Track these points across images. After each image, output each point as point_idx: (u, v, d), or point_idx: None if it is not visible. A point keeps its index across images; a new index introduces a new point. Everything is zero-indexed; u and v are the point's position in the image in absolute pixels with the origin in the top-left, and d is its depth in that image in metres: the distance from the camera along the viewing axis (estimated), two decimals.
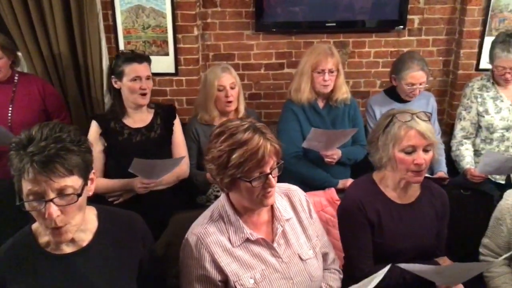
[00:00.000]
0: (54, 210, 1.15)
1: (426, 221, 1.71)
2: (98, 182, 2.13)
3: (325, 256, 1.62)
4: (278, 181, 2.67)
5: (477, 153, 2.72)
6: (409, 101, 2.70)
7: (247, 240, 1.43)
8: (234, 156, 1.32)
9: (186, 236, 1.46)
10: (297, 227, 1.54)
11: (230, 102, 2.46)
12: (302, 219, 1.56)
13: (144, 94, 2.32)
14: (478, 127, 2.72)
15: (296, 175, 2.52)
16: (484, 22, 3.05)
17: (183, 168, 2.42)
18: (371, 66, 3.31)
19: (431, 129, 1.59)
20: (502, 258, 1.55)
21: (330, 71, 2.45)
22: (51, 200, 1.15)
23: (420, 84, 2.60)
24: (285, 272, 1.45)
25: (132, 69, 2.29)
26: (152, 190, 2.25)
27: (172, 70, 3.11)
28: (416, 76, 2.58)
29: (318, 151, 2.42)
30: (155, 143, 2.37)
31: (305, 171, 2.49)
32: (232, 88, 2.46)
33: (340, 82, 2.52)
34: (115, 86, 2.35)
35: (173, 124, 2.45)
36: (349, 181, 2.46)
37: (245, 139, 1.33)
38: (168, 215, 2.06)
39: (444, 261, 1.72)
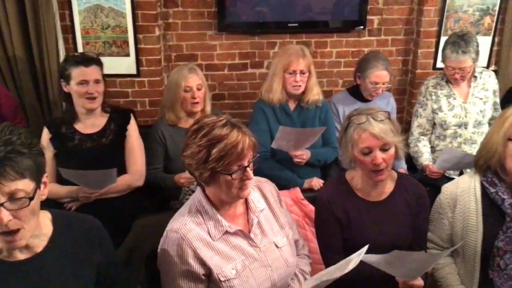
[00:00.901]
0: (5, 214, 1.11)
1: (399, 218, 1.74)
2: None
3: (296, 242, 1.68)
4: None
5: (432, 149, 2.81)
6: (371, 100, 2.76)
7: (226, 232, 1.47)
8: (214, 150, 1.36)
9: (165, 234, 1.47)
10: (270, 217, 1.60)
11: (196, 103, 2.44)
12: (274, 209, 1.62)
13: (92, 98, 2.26)
14: (433, 124, 2.80)
15: (262, 174, 2.53)
16: (440, 23, 3.15)
17: (134, 176, 2.36)
18: (334, 66, 3.36)
19: (385, 129, 1.61)
20: (450, 250, 1.60)
21: (302, 72, 2.46)
22: (2, 205, 1.11)
23: (384, 83, 2.67)
24: (264, 260, 1.51)
25: (78, 73, 2.23)
26: (110, 196, 2.20)
27: (134, 71, 3.05)
28: (380, 75, 2.64)
29: (287, 151, 2.44)
30: (106, 149, 2.30)
31: (270, 171, 2.50)
32: (198, 89, 2.43)
33: (312, 83, 2.54)
34: (65, 89, 2.29)
35: (127, 129, 2.38)
36: (315, 180, 2.48)
37: (224, 133, 1.37)
38: (132, 220, 2.02)
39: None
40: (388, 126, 1.63)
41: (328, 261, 1.72)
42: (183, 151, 1.45)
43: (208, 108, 2.54)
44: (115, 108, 2.45)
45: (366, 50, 3.25)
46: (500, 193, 1.69)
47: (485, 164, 1.72)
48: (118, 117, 2.39)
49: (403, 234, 1.75)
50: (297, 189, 2.31)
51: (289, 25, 3.15)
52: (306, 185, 2.46)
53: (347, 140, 1.67)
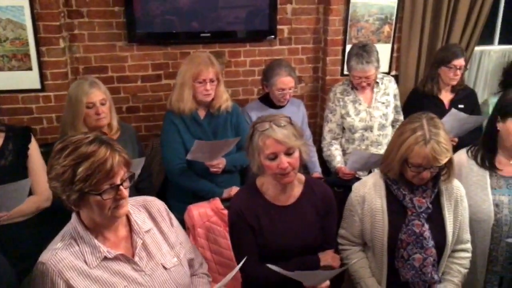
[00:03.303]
0: None
1: (308, 220, 1.80)
2: None
3: (190, 261, 1.63)
4: (164, 195, 2.63)
5: (343, 152, 2.95)
6: (282, 107, 2.84)
7: (105, 258, 1.38)
8: (80, 169, 1.28)
9: (35, 266, 1.36)
10: (158, 237, 1.52)
11: (102, 118, 2.33)
12: (162, 228, 1.55)
13: None
14: (343, 128, 2.95)
15: (181, 187, 2.51)
16: (345, 31, 3.33)
17: (41, 197, 2.20)
18: (248, 75, 3.41)
19: (288, 134, 1.66)
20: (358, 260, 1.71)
21: (211, 81, 2.46)
22: None
23: (290, 88, 2.76)
24: (149, 285, 1.43)
25: None
26: (8, 222, 2.02)
27: (38, 86, 2.87)
28: (285, 81, 2.73)
29: (203, 161, 2.43)
30: (6, 171, 2.11)
31: (188, 183, 2.48)
32: (102, 104, 2.32)
33: (221, 90, 2.55)
34: None
35: (28, 148, 2.21)
36: (233, 189, 2.49)
37: (91, 151, 1.29)
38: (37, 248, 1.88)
39: (325, 255, 1.82)
40: (290, 131, 1.68)
41: (248, 269, 1.72)
42: (48, 173, 1.35)
43: (115, 122, 2.44)
44: (10, 127, 2.25)
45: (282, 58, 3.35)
46: (401, 189, 1.84)
47: (386, 172, 1.86)
48: (16, 136, 2.20)
49: (313, 236, 1.81)
50: (217, 200, 2.30)
51: (202, 35, 3.15)
52: (225, 194, 2.46)
53: (254, 148, 1.70)
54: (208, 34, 3.16)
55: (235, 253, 1.83)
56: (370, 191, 1.90)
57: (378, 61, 2.77)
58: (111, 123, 2.41)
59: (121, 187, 1.34)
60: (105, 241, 1.41)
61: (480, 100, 3.56)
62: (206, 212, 2.25)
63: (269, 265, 1.55)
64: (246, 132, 2.64)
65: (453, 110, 2.72)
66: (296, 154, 1.70)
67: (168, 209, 1.61)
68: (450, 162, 1.78)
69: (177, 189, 2.57)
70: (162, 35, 3.12)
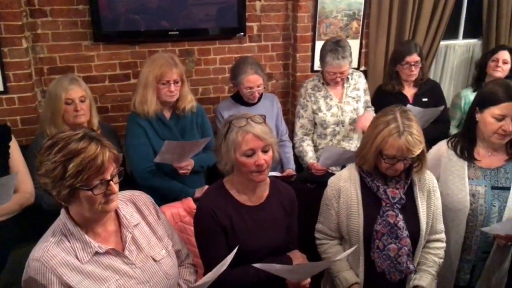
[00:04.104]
0: None
1: (276, 220, 1.80)
2: None
3: (178, 253, 1.66)
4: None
5: (315, 148, 2.96)
6: (255, 104, 2.83)
7: (96, 253, 1.40)
8: (71, 165, 1.29)
9: (27, 263, 1.37)
10: (146, 230, 1.55)
11: (80, 115, 2.32)
12: (150, 221, 1.58)
13: None
14: (314, 124, 2.96)
15: (152, 189, 2.46)
16: (314, 28, 3.35)
17: (25, 195, 2.18)
18: (218, 73, 3.38)
19: (266, 130, 1.67)
20: (345, 254, 1.72)
21: (175, 82, 2.42)
22: None
23: (258, 86, 2.75)
24: (140, 277, 1.46)
25: None
26: None
27: (0, 88, 2.77)
28: (251, 79, 2.72)
29: (171, 163, 2.39)
30: None
31: (160, 185, 2.44)
32: (82, 101, 2.32)
33: (185, 91, 2.52)
34: None
35: (9, 146, 2.18)
36: (205, 188, 2.45)
37: (81, 147, 1.31)
38: (8, 251, 1.83)
39: (295, 254, 1.82)
40: (267, 128, 1.69)
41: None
42: (37, 169, 1.35)
43: (95, 121, 2.44)
44: None
45: (249, 56, 3.33)
46: (375, 181, 1.87)
47: (361, 164, 1.89)
48: None
49: (281, 235, 1.81)
50: (189, 199, 2.28)
51: (170, 33, 3.10)
52: (197, 194, 2.43)
53: (229, 144, 1.67)
54: (177, 32, 3.12)
55: (203, 255, 1.78)
56: (345, 184, 1.91)
57: (351, 56, 2.80)
58: (91, 121, 2.39)
59: (111, 182, 1.36)
60: (95, 236, 1.43)
61: (447, 93, 3.65)
62: (179, 212, 2.22)
63: (255, 264, 1.53)
64: (211, 133, 2.65)
65: (408, 105, 2.79)
66: (271, 152, 1.70)
67: (154, 203, 1.63)
68: (422, 153, 1.81)
69: (146, 191, 2.52)
70: (129, 33, 3.06)
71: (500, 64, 3.17)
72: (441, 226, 1.96)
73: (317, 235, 2.02)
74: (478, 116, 2.02)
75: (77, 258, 1.37)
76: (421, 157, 1.82)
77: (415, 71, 3.01)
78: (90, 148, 1.31)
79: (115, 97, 3.17)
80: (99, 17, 2.92)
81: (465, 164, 2.05)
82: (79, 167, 1.29)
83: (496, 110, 1.93)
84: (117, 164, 1.40)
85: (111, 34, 3.01)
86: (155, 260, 1.51)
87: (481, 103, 2.01)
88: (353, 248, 1.72)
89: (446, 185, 1.99)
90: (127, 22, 3.02)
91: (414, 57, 2.97)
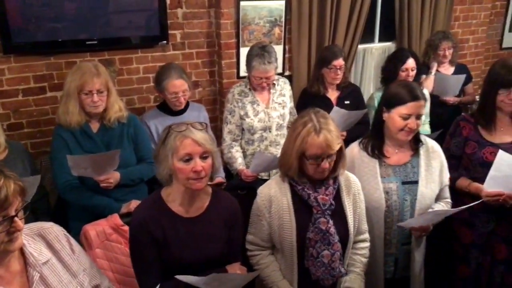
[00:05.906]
0: None
1: (215, 232, 1.77)
2: None
3: None
4: (63, 216, 2.43)
5: (243, 154, 2.96)
6: (182, 114, 2.79)
7: None
8: None
9: None
10: (57, 267, 1.41)
11: None
12: (62, 257, 1.44)
13: None
14: (242, 130, 2.97)
15: (75, 204, 2.36)
16: (238, 34, 3.36)
17: None
18: (143, 82, 3.29)
19: (206, 137, 1.66)
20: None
21: (99, 91, 2.32)
22: None
23: (183, 92, 2.71)
24: None
25: None
26: None
27: None
28: (176, 84, 2.68)
29: (91, 177, 2.28)
30: None
31: (80, 200, 2.32)
32: None
33: (112, 100, 2.41)
34: None
35: None
36: (133, 203, 2.35)
37: None
38: None
39: (233, 267, 1.80)
40: (207, 135, 1.68)
41: (148, 284, 1.66)
42: None
43: (2, 139, 2.25)
44: None
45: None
46: (306, 189, 1.89)
47: (286, 172, 1.90)
48: None
49: (220, 248, 1.78)
50: (115, 216, 2.16)
51: (87, 42, 2.97)
52: (124, 209, 2.32)
53: (167, 150, 1.64)
54: (95, 42, 2.99)
55: (136, 267, 1.73)
56: (276, 193, 1.92)
57: (277, 61, 2.84)
58: None
59: (16, 218, 1.22)
60: None
61: (367, 95, 3.82)
62: (104, 230, 2.11)
63: (178, 276, 1.50)
64: (146, 144, 2.57)
65: (335, 108, 2.90)
66: (210, 160, 1.68)
67: (68, 235, 1.49)
68: (341, 150, 1.86)
69: (76, 209, 2.40)
70: (43, 44, 2.88)
71: (410, 73, 3.36)
72: (365, 226, 2.04)
73: (248, 246, 2.01)
74: (385, 115, 2.12)
75: None
76: (340, 155, 1.87)
77: (340, 75, 3.13)
78: None
79: (31, 112, 2.97)
80: (8, 28, 2.72)
81: (376, 163, 2.15)
82: None
83: (403, 109, 2.05)
84: (23, 197, 1.27)
85: (23, 45, 2.82)
86: None
87: (388, 103, 2.12)
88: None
89: (362, 185, 2.06)
90: (41, 32, 2.84)
91: (340, 61, 3.09)
